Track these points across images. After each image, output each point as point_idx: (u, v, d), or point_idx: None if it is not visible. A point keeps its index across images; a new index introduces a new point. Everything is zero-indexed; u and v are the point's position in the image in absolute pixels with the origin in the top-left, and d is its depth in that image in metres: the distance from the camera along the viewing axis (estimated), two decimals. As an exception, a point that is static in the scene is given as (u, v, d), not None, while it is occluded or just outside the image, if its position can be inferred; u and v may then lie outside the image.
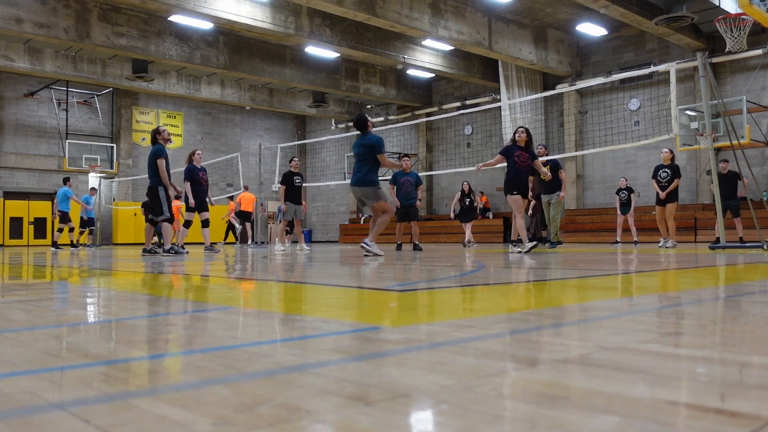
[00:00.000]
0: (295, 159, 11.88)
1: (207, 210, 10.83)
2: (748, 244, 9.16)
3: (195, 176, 10.64)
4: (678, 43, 16.51)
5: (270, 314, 2.40)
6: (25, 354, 1.46)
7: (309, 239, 19.41)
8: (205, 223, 10.93)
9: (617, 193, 14.00)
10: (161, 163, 9.07)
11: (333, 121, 26.19)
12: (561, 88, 16.97)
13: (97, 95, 23.02)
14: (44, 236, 22.05)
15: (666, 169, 11.09)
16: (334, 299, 2.86)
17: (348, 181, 22.50)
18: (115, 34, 16.07)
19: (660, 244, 11.05)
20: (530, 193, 10.31)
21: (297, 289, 3.53)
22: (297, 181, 11.50)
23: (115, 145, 23.03)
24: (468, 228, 13.61)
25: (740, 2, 8.48)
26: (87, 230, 17.51)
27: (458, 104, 21.60)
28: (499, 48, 17.04)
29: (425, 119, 18.32)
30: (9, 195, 21.55)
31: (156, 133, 9.33)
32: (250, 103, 24.14)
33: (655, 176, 11.25)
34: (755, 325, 1.87)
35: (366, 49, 17.27)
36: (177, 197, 10.80)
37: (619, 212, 13.95)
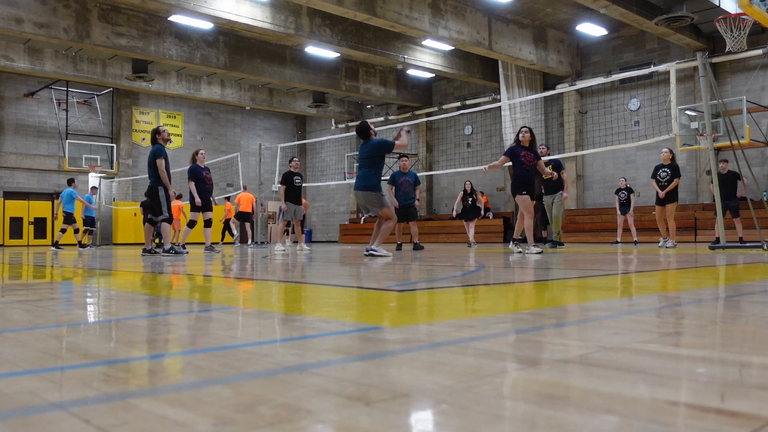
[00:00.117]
0: (295, 159, 11.88)
1: (211, 210, 10.87)
2: (748, 244, 9.16)
3: (199, 175, 10.69)
4: (678, 43, 16.51)
5: (270, 314, 2.40)
6: (25, 354, 1.46)
7: (309, 239, 19.39)
8: (208, 223, 10.96)
9: (617, 193, 13.99)
10: (161, 163, 9.07)
11: (333, 121, 26.19)
12: (561, 88, 16.96)
13: (97, 95, 23.02)
14: (44, 236, 22.05)
15: (666, 169, 11.09)
16: (334, 299, 2.86)
17: (348, 181, 22.57)
18: (115, 34, 16.07)
19: (660, 244, 11.05)
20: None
21: (297, 289, 3.53)
22: (297, 181, 11.50)
23: (115, 145, 23.02)
24: (471, 227, 13.63)
25: (740, 2, 8.48)
26: (87, 230, 17.50)
27: (458, 104, 21.59)
28: (499, 48, 17.03)
29: (425, 119, 18.31)
30: (9, 195, 21.55)
31: (156, 133, 9.33)
32: (250, 103, 24.14)
33: (654, 176, 11.24)
34: (755, 325, 1.87)
35: (366, 49, 17.27)
36: (177, 197, 10.81)
37: (618, 212, 13.95)
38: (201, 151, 11.01)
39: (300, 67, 20.04)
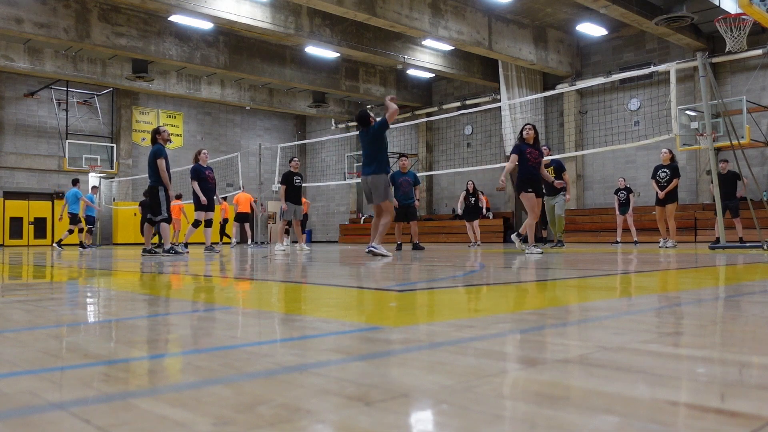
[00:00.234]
0: (295, 159, 11.89)
1: (213, 210, 10.95)
2: (748, 244, 9.16)
3: (201, 174, 10.75)
4: (678, 43, 16.51)
5: (270, 314, 2.40)
6: (25, 354, 1.46)
7: (309, 239, 19.39)
8: (208, 223, 11.00)
9: (616, 193, 13.99)
10: (161, 163, 9.08)
11: (333, 121, 26.19)
12: (561, 88, 16.97)
13: (97, 95, 23.02)
14: (44, 236, 22.05)
15: (665, 169, 11.09)
16: (334, 299, 2.86)
17: (348, 181, 22.56)
18: (115, 34, 16.07)
19: (660, 245, 11.05)
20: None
21: (297, 289, 3.53)
22: (297, 181, 11.51)
23: (115, 145, 23.03)
24: (475, 227, 13.72)
25: (740, 2, 8.48)
26: (88, 229, 17.50)
27: (458, 104, 21.59)
28: (499, 48, 17.03)
29: (425, 119, 18.32)
30: (9, 195, 21.55)
31: (156, 133, 9.35)
32: (250, 103, 24.14)
33: (654, 176, 11.24)
34: (755, 325, 1.87)
35: (366, 49, 17.28)
36: (177, 197, 10.84)
37: (617, 212, 13.95)
38: (204, 151, 11.07)
39: (300, 67, 20.04)
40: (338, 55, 19.36)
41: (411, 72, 21.22)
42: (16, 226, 21.54)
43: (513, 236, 8.69)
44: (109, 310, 2.62)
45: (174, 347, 1.65)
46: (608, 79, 13.56)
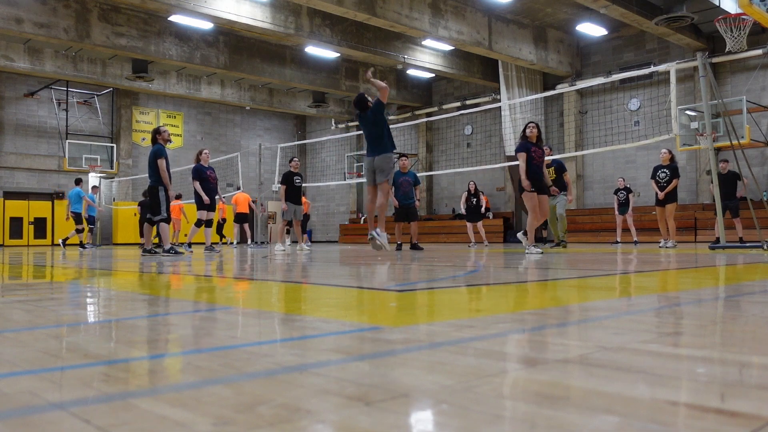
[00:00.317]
0: (295, 159, 11.89)
1: (213, 210, 11.01)
2: (748, 244, 9.16)
3: (203, 174, 10.81)
4: (678, 43, 16.51)
5: (270, 314, 2.40)
6: (25, 354, 1.46)
7: (310, 239, 19.39)
8: (209, 223, 11.07)
9: (615, 193, 13.99)
10: (161, 163, 9.09)
11: (333, 121, 26.19)
12: (561, 88, 16.97)
13: (97, 95, 23.02)
14: (44, 236, 22.05)
15: (665, 170, 11.09)
16: (334, 299, 2.86)
17: (348, 181, 22.56)
18: (115, 34, 16.07)
19: (660, 245, 11.05)
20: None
21: (297, 289, 3.53)
22: (297, 181, 11.52)
23: (115, 145, 23.03)
24: (479, 228, 13.84)
25: (740, 2, 8.48)
26: (87, 229, 17.50)
27: (458, 104, 21.59)
28: (499, 48, 17.03)
29: (425, 119, 18.33)
30: (9, 195, 21.55)
31: (156, 133, 9.36)
32: (250, 103, 24.14)
33: (654, 177, 11.25)
34: (755, 325, 1.87)
35: (366, 49, 17.28)
36: (177, 197, 10.88)
37: (617, 212, 13.95)
38: (205, 151, 11.14)
39: (300, 67, 20.04)
40: (338, 55, 19.36)
41: (411, 72, 21.23)
42: (16, 226, 21.54)
43: (519, 234, 8.63)
44: (109, 310, 2.62)
45: (174, 347, 1.65)
46: (608, 79, 13.56)
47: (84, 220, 16.03)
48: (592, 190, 19.17)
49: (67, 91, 22.25)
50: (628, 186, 14.11)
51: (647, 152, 17.15)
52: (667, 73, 12.65)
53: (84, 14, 15.49)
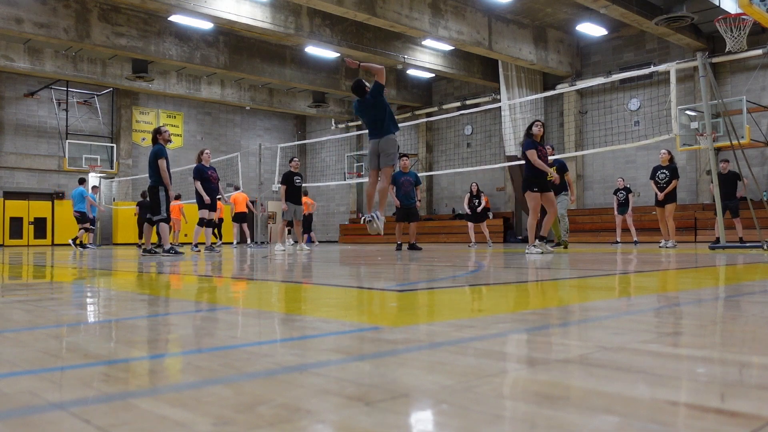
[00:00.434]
0: (295, 159, 11.90)
1: (214, 210, 11.05)
2: (748, 244, 9.16)
3: (204, 174, 10.85)
4: (678, 43, 16.51)
5: (270, 314, 2.40)
6: (25, 354, 1.46)
7: (310, 239, 19.38)
8: (210, 223, 11.10)
9: (615, 193, 13.99)
10: (162, 163, 9.10)
11: (333, 121, 26.19)
12: (561, 88, 16.97)
13: (97, 95, 23.02)
14: (44, 236, 22.04)
15: (664, 170, 11.09)
16: (334, 299, 2.86)
17: (348, 181, 22.55)
18: (115, 34, 16.07)
19: (661, 245, 11.05)
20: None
21: (297, 289, 3.53)
22: (297, 181, 11.53)
23: (115, 145, 23.03)
24: (483, 228, 13.94)
25: (740, 2, 8.48)
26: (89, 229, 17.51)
27: (458, 104, 21.59)
28: (499, 48, 17.03)
29: (425, 119, 18.31)
30: (9, 195, 21.55)
31: (157, 133, 9.37)
32: (250, 103, 24.14)
33: (653, 177, 11.25)
34: (755, 325, 1.87)
35: (366, 49, 17.27)
36: (176, 197, 10.90)
37: (616, 212, 13.95)
38: (206, 151, 11.19)
39: (300, 67, 20.04)
40: (338, 55, 19.35)
41: (411, 72, 21.22)
42: (16, 226, 21.54)
43: (537, 243, 8.41)
44: (109, 310, 2.62)
45: (174, 347, 1.65)
46: (608, 79, 13.56)
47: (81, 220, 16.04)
48: (592, 190, 19.17)
49: (67, 91, 22.25)
50: (628, 186, 14.11)
51: (647, 152, 17.14)
52: (667, 73, 12.65)
53: (84, 14, 15.49)
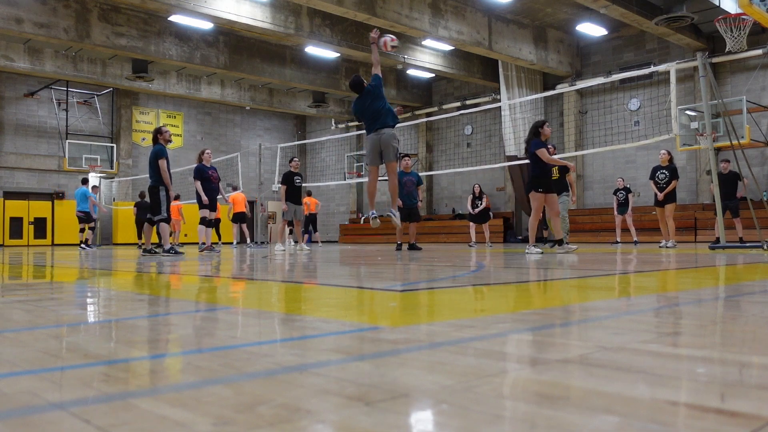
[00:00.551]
0: (295, 159, 11.90)
1: (215, 210, 11.07)
2: (748, 244, 9.16)
3: (205, 174, 10.87)
4: (678, 43, 16.51)
5: (270, 314, 2.40)
6: (25, 354, 1.46)
7: (310, 239, 19.38)
8: (210, 223, 11.13)
9: (615, 193, 13.99)
10: (162, 163, 9.10)
11: (333, 121, 26.20)
12: (561, 88, 16.97)
13: (97, 95, 23.02)
14: (44, 236, 22.04)
15: (664, 171, 11.09)
16: (334, 299, 2.86)
17: (348, 181, 22.55)
18: (115, 34, 16.07)
19: (661, 245, 11.06)
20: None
21: (297, 289, 3.53)
22: (297, 181, 11.52)
23: (115, 145, 23.03)
24: (485, 228, 14.00)
25: (740, 2, 8.48)
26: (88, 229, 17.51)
27: (458, 104, 21.59)
28: (499, 48, 17.03)
29: (425, 119, 18.31)
30: (9, 195, 21.55)
31: (158, 133, 9.37)
32: (250, 103, 24.14)
33: (652, 177, 11.25)
34: (755, 325, 1.87)
35: (366, 49, 17.26)
36: (175, 197, 10.93)
37: (616, 212, 13.95)
38: (207, 151, 11.20)
39: (300, 67, 20.04)
40: (338, 55, 19.36)
41: (411, 72, 21.22)
42: (16, 226, 21.54)
43: (555, 248, 8.38)
44: (109, 310, 2.62)
45: (174, 347, 1.65)
46: (608, 79, 13.56)
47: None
48: (592, 190, 19.17)
49: (67, 91, 22.25)
50: (628, 186, 14.11)
51: (647, 152, 17.14)
52: (667, 73, 12.65)
53: (84, 14, 15.49)
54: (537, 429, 0.85)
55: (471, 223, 14.13)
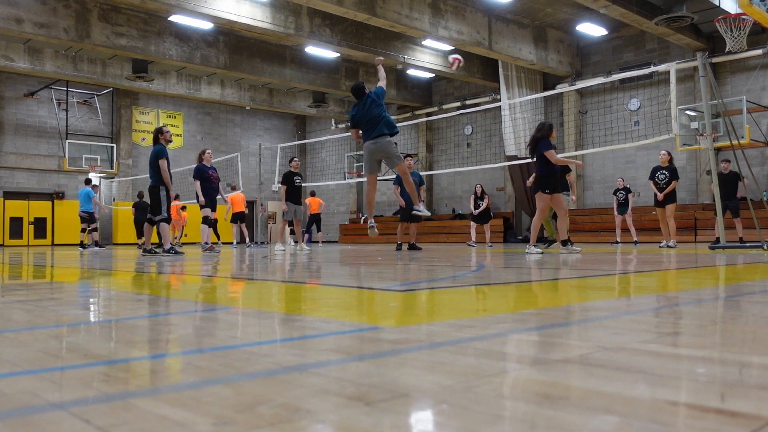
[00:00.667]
0: (295, 159, 11.90)
1: (215, 209, 11.10)
2: (748, 244, 9.16)
3: (205, 174, 10.90)
4: (678, 43, 16.51)
5: (270, 314, 2.40)
6: (25, 354, 1.46)
7: (310, 240, 19.38)
8: (212, 223, 11.17)
9: (614, 193, 14.00)
10: (163, 163, 9.10)
11: (333, 121, 26.20)
12: (561, 88, 16.96)
13: (97, 95, 23.02)
14: (44, 236, 22.04)
15: (664, 171, 11.10)
16: (334, 299, 2.86)
17: (348, 181, 22.54)
18: (115, 34, 16.07)
19: (661, 245, 11.06)
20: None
21: (297, 289, 3.53)
22: (297, 181, 11.53)
23: (115, 145, 23.03)
24: (486, 228, 14.04)
25: (740, 2, 8.48)
26: (88, 228, 17.51)
27: (458, 104, 21.59)
28: (499, 48, 17.03)
29: (425, 119, 18.31)
30: (9, 195, 21.55)
31: (158, 133, 9.38)
32: (250, 103, 24.14)
33: (652, 178, 11.25)
34: (755, 325, 1.87)
35: (366, 49, 17.27)
36: (175, 197, 10.94)
37: (616, 212, 13.95)
38: (207, 151, 11.24)
39: (300, 67, 20.04)
40: (338, 55, 19.35)
41: (411, 72, 21.22)
42: (16, 226, 21.54)
43: (562, 248, 8.36)
44: (109, 310, 2.62)
45: (174, 347, 1.65)
46: (608, 79, 13.55)
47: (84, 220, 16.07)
48: (592, 190, 19.17)
49: (67, 91, 22.24)
50: (628, 186, 14.11)
51: (647, 152, 17.14)
52: (667, 73, 12.64)
53: (84, 14, 15.49)
54: (537, 429, 0.85)
55: (472, 223, 14.16)
